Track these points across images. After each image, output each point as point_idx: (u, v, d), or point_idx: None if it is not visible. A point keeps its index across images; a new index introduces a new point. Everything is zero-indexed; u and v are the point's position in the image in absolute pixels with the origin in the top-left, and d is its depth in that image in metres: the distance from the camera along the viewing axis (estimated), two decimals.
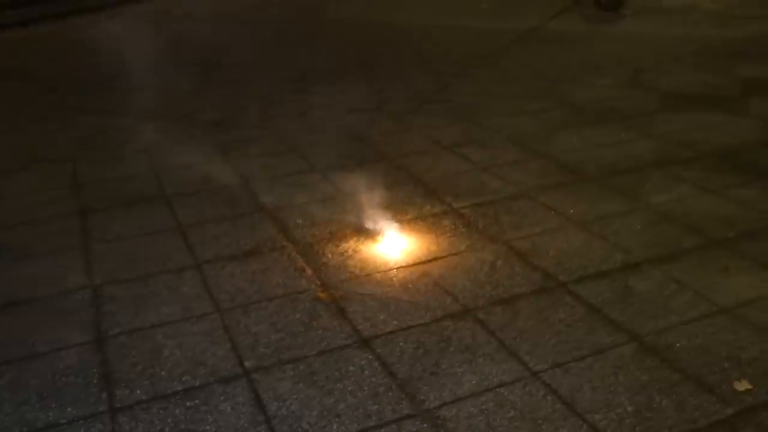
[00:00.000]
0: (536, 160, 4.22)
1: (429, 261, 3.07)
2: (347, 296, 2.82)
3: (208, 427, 2.15)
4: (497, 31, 8.07)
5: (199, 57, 7.40)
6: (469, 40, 7.77)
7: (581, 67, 6.46)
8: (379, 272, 2.99)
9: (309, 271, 3.02)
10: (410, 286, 2.88)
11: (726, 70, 6.18)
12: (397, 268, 3.02)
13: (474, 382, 2.32)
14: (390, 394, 2.27)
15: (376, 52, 7.41)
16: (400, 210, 3.58)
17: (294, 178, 4.06)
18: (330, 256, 3.14)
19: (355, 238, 3.29)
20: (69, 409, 2.24)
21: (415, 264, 3.05)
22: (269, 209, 3.64)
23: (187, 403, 2.25)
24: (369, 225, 3.42)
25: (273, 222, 3.50)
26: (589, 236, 3.26)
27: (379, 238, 3.28)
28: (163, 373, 2.40)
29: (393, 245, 3.22)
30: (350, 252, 3.17)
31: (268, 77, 6.44)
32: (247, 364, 2.43)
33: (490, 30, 8.20)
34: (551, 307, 2.71)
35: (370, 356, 2.45)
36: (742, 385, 2.25)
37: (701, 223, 3.35)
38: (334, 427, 2.14)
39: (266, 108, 5.45)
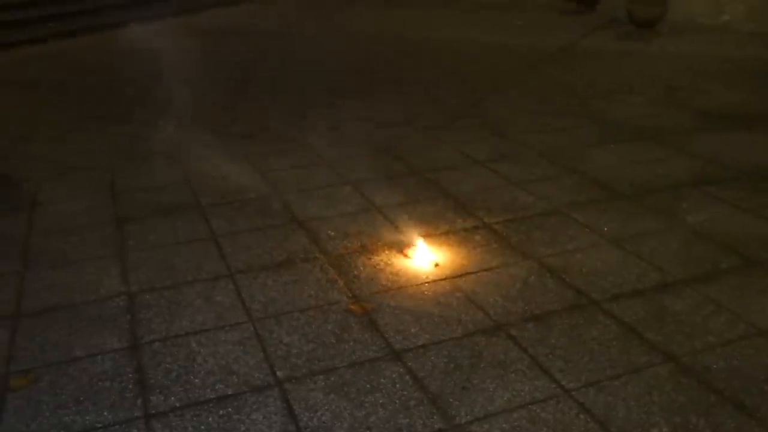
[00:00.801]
0: (569, 176, 4.20)
1: (461, 276, 3.07)
2: (379, 309, 2.83)
3: None
4: (530, 48, 8.07)
5: (230, 71, 7.51)
6: (501, 57, 7.77)
7: (615, 84, 6.42)
8: (411, 286, 2.99)
9: (341, 283, 3.03)
10: (442, 300, 2.88)
11: (762, 90, 6.10)
12: (429, 282, 3.02)
13: (506, 398, 2.30)
14: (421, 408, 2.27)
15: (407, 68, 7.45)
16: (431, 224, 3.59)
17: (325, 190, 4.09)
18: (362, 268, 3.15)
19: (386, 251, 3.30)
20: (105, 414, 2.27)
21: (446, 278, 3.05)
22: (301, 220, 3.67)
23: (220, 412, 2.27)
24: (400, 238, 3.43)
25: (305, 233, 3.52)
26: (624, 254, 3.22)
27: (411, 251, 3.28)
28: (196, 380, 2.42)
29: (424, 259, 3.22)
30: (382, 265, 3.18)
31: (299, 91, 6.50)
32: (279, 373, 2.44)
33: (523, 47, 8.19)
34: (584, 325, 2.68)
35: (401, 369, 2.45)
36: None
37: (739, 243, 3.30)
38: None
39: (297, 121, 5.50)
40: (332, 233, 3.52)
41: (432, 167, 4.40)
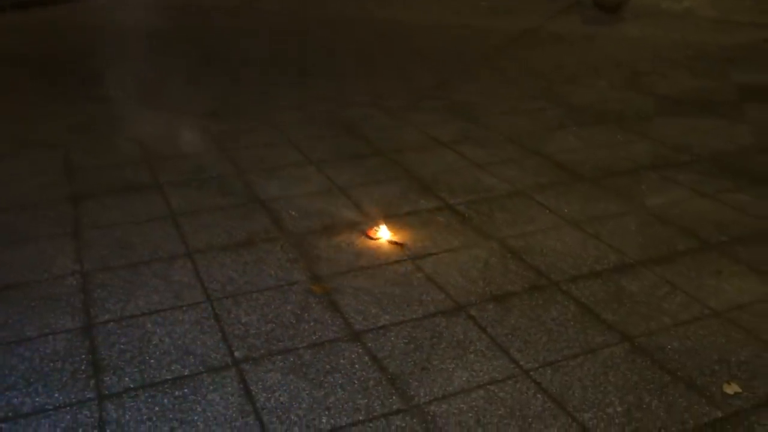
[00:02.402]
0: (532, 159, 4.22)
1: (423, 257, 3.06)
2: (340, 289, 2.81)
3: (196, 417, 2.14)
4: (496, 30, 8.06)
5: (194, 48, 7.35)
6: (467, 39, 7.76)
7: (580, 68, 6.46)
8: (373, 266, 2.98)
9: (302, 263, 3.00)
10: (403, 281, 2.87)
11: (722, 75, 6.20)
12: (391, 263, 3.01)
13: (464, 378, 2.31)
14: (380, 388, 2.26)
15: (373, 48, 7.38)
16: (394, 205, 3.57)
17: (288, 170, 4.04)
18: (323, 248, 3.13)
19: (348, 232, 3.28)
20: (56, 395, 2.21)
21: (408, 259, 3.04)
22: (263, 200, 3.62)
23: (176, 393, 2.23)
24: (363, 219, 3.41)
25: (266, 213, 3.48)
26: (584, 236, 3.25)
27: (373, 232, 3.26)
28: (152, 361, 2.38)
29: (386, 240, 3.20)
30: (343, 245, 3.15)
31: (263, 70, 6.40)
32: (236, 354, 2.41)
33: (488, 29, 8.19)
34: (543, 306, 2.70)
35: (360, 350, 2.44)
36: (732, 388, 2.26)
37: (696, 226, 3.36)
38: (323, 420, 2.13)
39: (262, 100, 5.42)
40: (294, 213, 3.48)
41: (396, 148, 4.38)
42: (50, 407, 2.17)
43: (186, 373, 2.32)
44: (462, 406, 2.19)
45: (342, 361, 2.38)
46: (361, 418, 2.14)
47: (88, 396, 2.21)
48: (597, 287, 2.83)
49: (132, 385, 2.26)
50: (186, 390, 2.24)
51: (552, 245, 3.17)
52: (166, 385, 2.26)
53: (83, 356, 2.39)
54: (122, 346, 2.45)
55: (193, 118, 4.96)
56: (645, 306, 2.71)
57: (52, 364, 2.36)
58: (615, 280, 2.89)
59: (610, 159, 4.23)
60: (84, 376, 2.30)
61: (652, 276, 2.92)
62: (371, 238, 3.22)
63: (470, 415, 2.15)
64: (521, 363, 2.38)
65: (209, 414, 2.15)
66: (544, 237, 3.25)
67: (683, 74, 6.24)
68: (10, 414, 2.14)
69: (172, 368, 2.34)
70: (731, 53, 6.96)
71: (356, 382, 2.29)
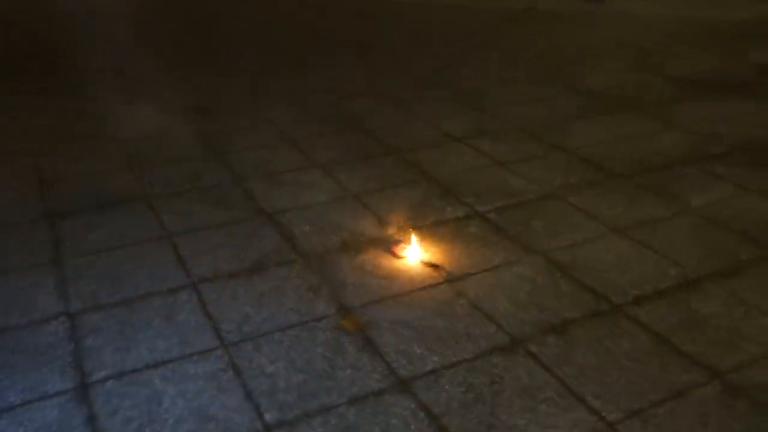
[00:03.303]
0: (556, 155, 3.86)
1: (461, 278, 2.69)
2: (374, 323, 2.43)
3: None
4: (491, 10, 7.64)
5: (178, 36, 6.82)
6: (462, 19, 7.33)
7: (584, 48, 6.10)
8: (407, 293, 2.60)
9: (325, 291, 2.61)
10: (445, 310, 2.50)
11: (735, 53, 5.89)
12: (426, 288, 2.63)
13: None
14: None
15: (368, 32, 6.93)
16: (417, 214, 3.19)
17: (294, 175, 3.62)
18: (346, 271, 2.74)
19: (372, 249, 2.89)
20: None
21: (446, 281, 2.67)
22: (269, 213, 3.21)
23: None
24: (386, 232, 3.02)
25: (275, 229, 3.07)
26: (635, 246, 2.91)
27: (400, 249, 2.87)
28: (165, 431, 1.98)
29: (417, 257, 2.82)
30: (369, 266, 2.77)
31: (253, 59, 5.92)
32: (267, 417, 2.02)
33: (483, 8, 7.76)
34: (611, 336, 2.36)
35: (413, 404, 2.06)
36: None
37: (751, 228, 3.04)
38: None
39: (255, 93, 4.96)
40: (307, 228, 3.08)
41: (408, 146, 3.98)
42: None
43: None
44: None
45: (394, 420, 2.01)
46: None
47: None
48: (665, 311, 2.49)
49: None
50: None
51: (603, 258, 2.82)
52: None
53: (81, 429, 1.98)
54: (127, 412, 2.04)
55: (180, 115, 4.49)
56: (725, 332, 2.38)
57: None
58: (683, 300, 2.55)
59: (640, 152, 3.88)
60: None
61: (721, 293, 2.59)
62: (398, 257, 2.84)
63: None
64: (602, 413, 2.03)
65: None
66: (591, 249, 2.90)
67: (695, 53, 5.92)
68: None
69: None
70: (739, 29, 6.65)
71: None
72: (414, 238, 2.94)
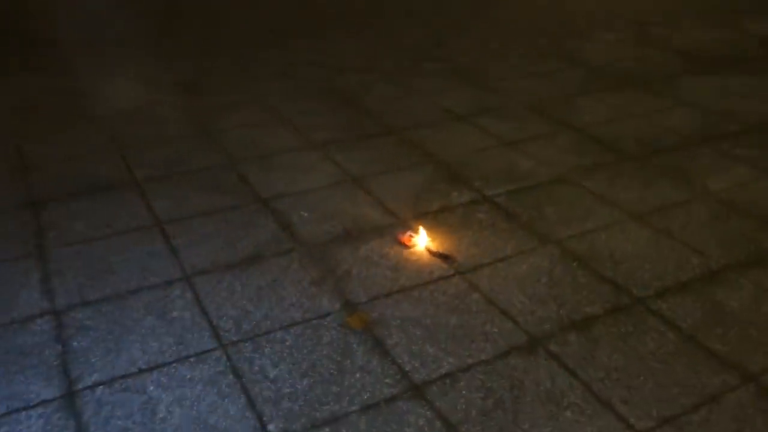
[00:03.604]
0: (565, 134, 3.69)
1: (473, 269, 2.53)
2: (383, 321, 2.27)
3: None
4: None
5: (165, 8, 6.53)
6: None
7: (581, 19, 5.91)
8: (416, 286, 2.44)
9: (329, 285, 2.45)
10: (458, 305, 2.35)
11: (735, 25, 5.72)
12: (437, 280, 2.48)
13: None
14: None
15: (358, 4, 6.66)
16: (423, 199, 3.02)
17: (289, 156, 3.43)
18: (350, 262, 2.57)
19: (377, 238, 2.72)
20: None
21: (457, 274, 2.51)
22: (265, 198, 3.03)
23: None
24: (390, 219, 2.85)
25: (272, 216, 2.89)
26: (653, 233, 2.77)
27: (407, 238, 2.71)
28: None
29: (425, 247, 2.66)
30: (375, 257, 2.60)
31: (239, 29, 5.67)
32: (270, 427, 1.87)
33: None
34: (635, 334, 2.22)
35: (428, 412, 1.92)
36: None
37: None
38: None
39: (243, 67, 4.73)
40: (305, 214, 2.90)
41: (408, 124, 3.79)
42: None
43: None
44: None
45: (408, 430, 1.86)
46: None
47: None
48: (690, 304, 2.35)
49: None
50: None
51: (621, 248, 2.67)
52: None
53: None
54: (119, 423, 1.88)
55: (165, 91, 4.27)
56: (754, 328, 2.25)
57: None
58: (708, 293, 2.41)
59: (652, 131, 3.73)
60: None
61: (747, 285, 2.46)
62: (406, 246, 2.67)
63: None
64: (632, 421, 1.89)
65: None
66: (608, 237, 2.75)
67: (695, 25, 5.74)
68: None
69: None
70: (740, 1, 6.47)
71: None
72: (421, 226, 2.77)
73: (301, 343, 2.17)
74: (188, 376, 2.04)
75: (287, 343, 2.17)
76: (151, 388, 2.00)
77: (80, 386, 2.00)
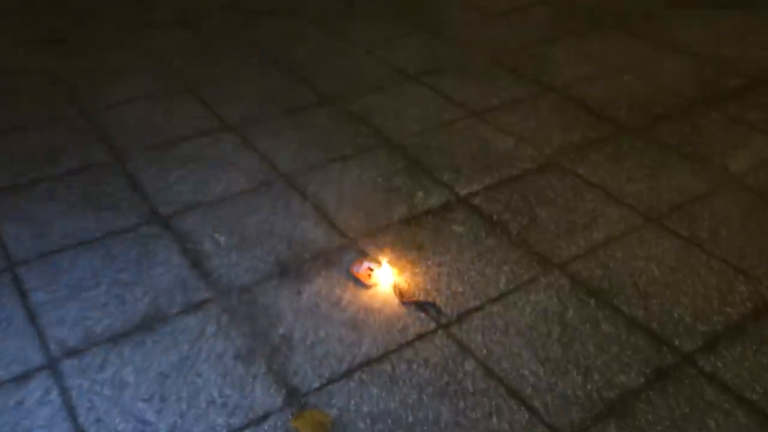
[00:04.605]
0: (544, 97, 2.99)
1: (460, 319, 1.85)
2: (345, 422, 1.57)
3: None
4: None
5: None
6: None
7: None
8: (384, 354, 1.74)
9: (262, 361, 1.72)
10: (448, 382, 1.67)
11: None
12: (413, 341, 1.78)
13: None
14: None
15: None
16: (378, 204, 2.29)
17: (196, 145, 2.60)
18: (291, 318, 1.84)
19: (322, 271, 1.99)
20: None
21: (440, 326, 1.82)
22: (165, 216, 2.22)
23: None
24: (337, 239, 2.11)
25: (176, 244, 2.10)
26: (680, 245, 2.14)
27: (364, 271, 1.98)
28: None
29: (390, 282, 1.95)
30: (323, 306, 1.88)
31: None
32: None
33: None
34: (694, 417, 1.61)
35: None
36: None
37: None
38: None
39: (129, 12, 3.74)
40: (222, 239, 2.12)
41: (349, 89, 3.00)
42: None
43: None
44: None
45: None
46: None
47: None
48: (752, 357, 1.76)
49: None
50: None
51: (646, 271, 2.04)
52: None
53: None
54: None
55: (23, 47, 3.27)
56: None
57: None
58: (759, 331, 1.83)
59: (645, 90, 3.07)
60: None
61: None
62: (364, 284, 1.96)
63: None
64: None
65: None
66: (626, 254, 2.11)
67: None
68: None
69: None
70: None
71: None
72: (380, 248, 2.05)
73: None
74: None
75: None
76: None
77: None
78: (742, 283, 2.00)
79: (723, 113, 2.89)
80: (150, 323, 1.81)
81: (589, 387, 1.67)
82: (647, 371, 1.72)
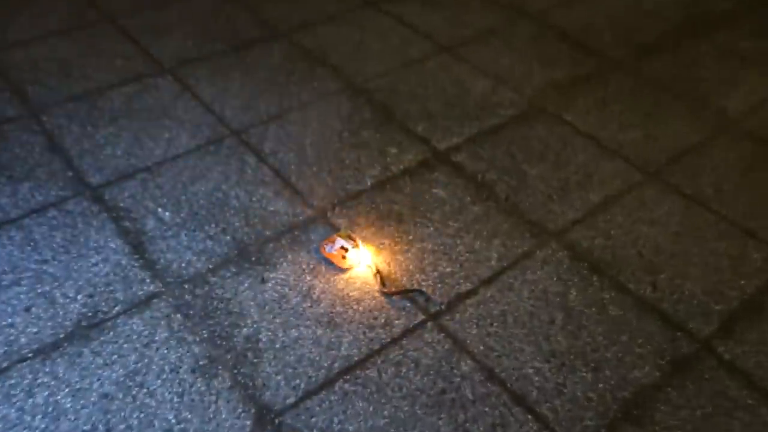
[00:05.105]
0: (520, 26, 2.68)
1: (452, 307, 1.62)
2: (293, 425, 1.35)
3: None
4: None
5: None
6: None
7: None
8: (368, 355, 1.51)
9: (225, 374, 1.45)
10: (444, 388, 1.45)
11: None
12: (400, 337, 1.55)
13: None
14: None
15: None
16: (346, 163, 1.99)
17: (126, 92, 2.20)
18: (255, 315, 1.57)
19: (288, 253, 1.71)
20: None
21: (429, 317, 1.58)
22: (96, 187, 1.86)
23: None
24: (302, 209, 1.82)
25: (112, 222, 1.76)
26: (683, 205, 1.95)
27: (337, 251, 1.71)
28: None
29: (367, 264, 1.69)
30: (291, 298, 1.61)
31: None
32: None
33: None
34: (716, 418, 1.45)
35: None
36: None
37: None
38: None
39: None
40: (166, 214, 1.80)
41: (298, 19, 2.60)
42: None
43: None
44: None
45: None
46: None
47: None
48: (757, 339, 1.60)
49: None
50: None
51: (650, 239, 1.84)
52: None
53: None
54: None
55: None
56: None
57: None
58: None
59: (626, 16, 2.80)
60: None
61: None
62: (338, 267, 1.69)
63: None
64: None
65: None
66: (626, 218, 1.89)
67: None
68: None
69: None
70: None
71: None
72: (351, 221, 1.77)
73: None
74: None
75: None
76: None
77: None
78: (753, 249, 1.82)
79: (712, 44, 2.65)
80: (86, 330, 1.51)
81: (600, 386, 1.49)
82: (662, 363, 1.54)
